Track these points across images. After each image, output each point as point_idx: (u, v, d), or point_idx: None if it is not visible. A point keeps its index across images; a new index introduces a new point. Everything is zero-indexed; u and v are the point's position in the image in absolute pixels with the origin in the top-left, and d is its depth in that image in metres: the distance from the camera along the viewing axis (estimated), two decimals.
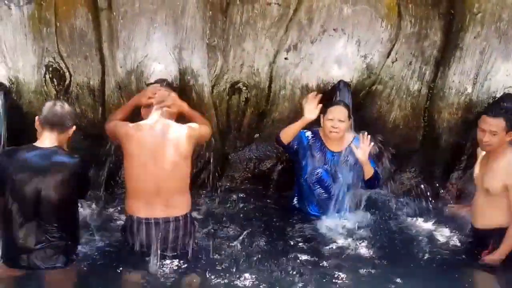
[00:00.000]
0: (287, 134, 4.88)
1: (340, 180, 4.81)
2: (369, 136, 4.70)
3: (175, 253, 4.19)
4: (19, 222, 3.81)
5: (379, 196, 5.31)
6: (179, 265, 4.15)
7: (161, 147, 4.17)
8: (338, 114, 4.78)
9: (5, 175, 3.81)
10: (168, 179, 4.13)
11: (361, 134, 4.71)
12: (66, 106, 4.05)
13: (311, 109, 4.82)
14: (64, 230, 3.93)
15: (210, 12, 5.07)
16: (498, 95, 5.20)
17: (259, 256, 4.39)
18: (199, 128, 4.41)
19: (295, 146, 4.94)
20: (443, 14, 5.19)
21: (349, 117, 4.86)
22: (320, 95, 4.96)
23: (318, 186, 4.84)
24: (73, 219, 4.03)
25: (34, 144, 3.93)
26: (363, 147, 4.70)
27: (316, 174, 4.82)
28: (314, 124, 5.03)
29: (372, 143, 4.73)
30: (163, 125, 4.27)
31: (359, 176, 4.81)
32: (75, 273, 4.07)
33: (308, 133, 4.96)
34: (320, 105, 4.88)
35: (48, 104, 4.02)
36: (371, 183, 4.87)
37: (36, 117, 3.97)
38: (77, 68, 5.03)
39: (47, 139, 3.92)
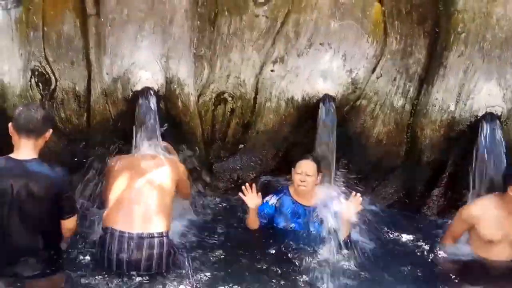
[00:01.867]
0: (252, 225, 4.86)
1: (313, 233, 4.83)
2: (360, 198, 4.64)
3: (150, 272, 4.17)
4: (2, 234, 3.74)
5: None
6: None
7: (147, 184, 4.28)
8: (306, 168, 4.76)
9: None
10: (152, 201, 4.22)
11: (353, 193, 4.67)
12: (41, 109, 3.81)
13: (252, 198, 4.75)
14: (48, 240, 3.86)
15: (198, 22, 5.11)
16: (480, 114, 5.25)
17: (239, 268, 4.41)
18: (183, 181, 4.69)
19: (265, 221, 4.90)
20: (428, 32, 5.26)
21: (318, 171, 4.84)
22: (253, 185, 4.85)
23: (290, 236, 4.86)
24: (55, 229, 3.92)
25: (11, 155, 3.72)
26: (351, 208, 4.64)
27: (290, 228, 4.85)
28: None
29: (361, 206, 4.67)
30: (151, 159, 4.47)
31: (329, 231, 4.81)
32: (58, 282, 4.03)
33: (272, 200, 4.90)
34: (259, 193, 4.80)
35: (21, 109, 3.74)
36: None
37: (10, 124, 3.71)
38: (63, 73, 5.02)
39: (24, 149, 3.70)
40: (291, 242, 4.75)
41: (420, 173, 5.52)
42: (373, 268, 4.53)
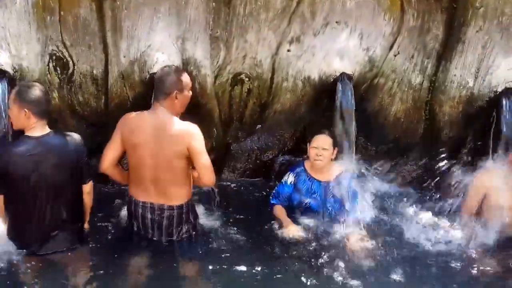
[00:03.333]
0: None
1: (329, 209, 4.83)
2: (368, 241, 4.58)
3: (171, 239, 4.27)
4: (31, 212, 3.88)
5: (380, 188, 5.33)
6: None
7: (159, 141, 4.12)
8: (322, 143, 4.77)
9: (5, 170, 3.81)
10: (165, 174, 4.16)
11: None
12: (45, 90, 4.03)
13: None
14: (74, 213, 4.02)
15: (214, 4, 5.08)
16: (499, 90, 5.23)
17: (255, 245, 4.44)
18: (198, 154, 4.14)
19: (286, 203, 4.92)
20: (445, 8, 5.20)
21: (334, 146, 4.85)
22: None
23: (307, 213, 4.86)
24: (80, 199, 4.10)
25: (28, 134, 3.87)
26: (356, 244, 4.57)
27: (305, 204, 4.85)
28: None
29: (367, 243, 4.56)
30: (166, 119, 4.15)
31: (345, 207, 4.80)
32: (85, 255, 4.16)
33: (289, 179, 4.91)
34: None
35: (35, 94, 3.87)
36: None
37: (25, 110, 3.83)
38: (81, 57, 5.03)
39: (39, 127, 3.89)
40: (307, 221, 4.76)
41: (438, 150, 5.48)
42: (390, 247, 4.52)
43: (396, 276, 4.12)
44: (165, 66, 4.44)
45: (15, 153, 3.82)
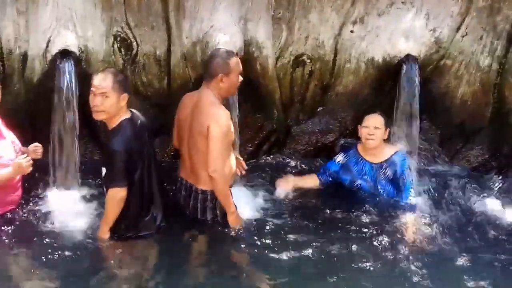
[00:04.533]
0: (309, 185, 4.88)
1: (380, 192, 4.74)
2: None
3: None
4: (141, 192, 3.96)
5: (445, 173, 5.21)
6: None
7: (193, 120, 4.11)
8: (374, 122, 4.68)
9: (135, 153, 3.87)
10: (194, 153, 4.14)
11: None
12: None
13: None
14: (161, 193, 4.10)
15: None
16: None
17: (312, 226, 4.42)
18: (211, 139, 3.99)
19: (330, 179, 4.88)
20: None
21: (386, 126, 4.74)
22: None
23: (359, 194, 4.80)
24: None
25: (126, 118, 3.90)
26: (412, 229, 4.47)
27: (356, 185, 4.78)
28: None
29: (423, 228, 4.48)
30: (204, 99, 4.09)
31: (399, 189, 4.71)
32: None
33: (339, 158, 4.88)
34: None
35: (126, 80, 4.04)
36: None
37: (126, 95, 3.88)
38: (144, 38, 5.07)
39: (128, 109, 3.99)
40: (359, 203, 4.69)
41: (507, 134, 5.34)
42: (454, 233, 4.41)
43: (459, 262, 4.01)
44: (218, 48, 4.42)
45: (131, 135, 3.86)
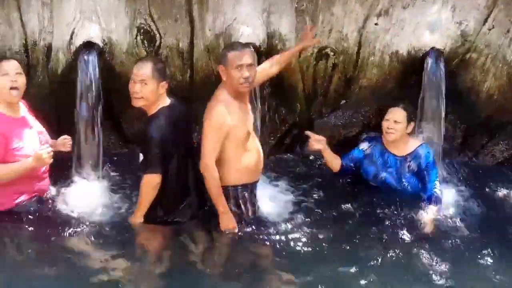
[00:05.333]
0: (330, 165, 4.76)
1: (405, 185, 4.68)
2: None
3: None
4: (176, 179, 3.98)
5: (470, 167, 5.14)
6: None
7: None
8: (395, 115, 4.60)
9: (170, 141, 3.90)
10: None
11: None
12: None
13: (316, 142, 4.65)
14: (198, 183, 4.09)
15: None
16: None
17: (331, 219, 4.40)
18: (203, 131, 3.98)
19: (352, 165, 4.80)
20: None
21: (409, 120, 4.65)
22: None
23: (383, 188, 4.74)
24: None
25: (164, 106, 3.94)
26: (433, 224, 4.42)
27: (381, 178, 4.72)
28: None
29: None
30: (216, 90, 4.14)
31: (423, 182, 4.65)
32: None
33: (363, 145, 4.81)
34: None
35: (165, 67, 4.04)
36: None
37: (165, 83, 3.94)
38: (167, 30, 5.07)
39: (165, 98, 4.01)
40: (383, 198, 4.64)
41: None
42: (479, 227, 4.36)
43: (483, 257, 3.94)
44: (235, 42, 4.38)
45: (169, 123, 3.90)
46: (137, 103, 3.93)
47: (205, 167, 3.91)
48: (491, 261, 3.92)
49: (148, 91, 3.88)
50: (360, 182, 4.79)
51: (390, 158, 4.70)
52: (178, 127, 3.96)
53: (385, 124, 4.65)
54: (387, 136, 4.65)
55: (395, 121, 4.60)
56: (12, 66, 4.00)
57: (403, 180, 4.67)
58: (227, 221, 4.02)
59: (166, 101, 3.98)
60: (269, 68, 4.43)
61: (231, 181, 4.03)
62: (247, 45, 4.11)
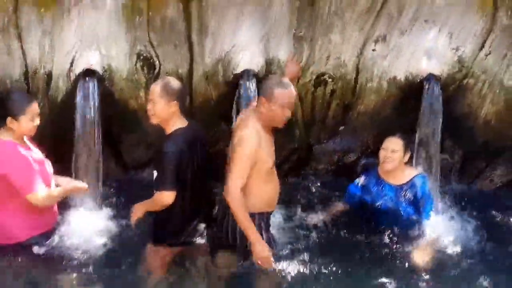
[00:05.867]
0: None
1: (401, 214, 4.70)
2: None
3: None
4: (183, 201, 3.97)
5: (467, 193, 5.15)
6: None
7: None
8: (392, 144, 4.63)
9: (185, 160, 3.91)
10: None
11: None
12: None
13: None
14: (210, 201, 4.17)
15: (298, 3, 5.03)
16: None
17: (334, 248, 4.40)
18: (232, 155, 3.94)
19: (354, 200, 4.83)
20: None
21: (406, 149, 4.68)
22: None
23: (379, 216, 4.76)
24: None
25: (180, 126, 3.97)
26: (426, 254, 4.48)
27: (377, 207, 4.75)
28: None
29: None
30: (244, 115, 4.15)
31: (419, 212, 4.66)
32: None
33: (359, 180, 4.84)
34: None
35: (180, 87, 4.02)
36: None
37: (174, 103, 3.92)
38: (167, 57, 5.10)
39: (182, 118, 4.03)
40: (379, 224, 4.66)
41: None
42: (476, 254, 4.37)
43: (481, 284, 3.96)
44: (278, 74, 4.38)
45: (184, 143, 3.92)
46: (152, 120, 4.02)
47: (230, 192, 3.82)
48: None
49: (158, 109, 3.95)
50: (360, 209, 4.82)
51: (386, 187, 4.71)
52: (194, 148, 3.99)
53: (382, 153, 4.66)
54: (384, 165, 4.66)
55: (393, 150, 4.61)
56: (37, 105, 4.10)
57: (400, 208, 4.67)
58: (262, 251, 3.84)
59: (184, 122, 4.03)
60: None
61: (250, 208, 3.93)
62: (290, 83, 4.07)
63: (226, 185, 3.86)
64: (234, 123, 4.72)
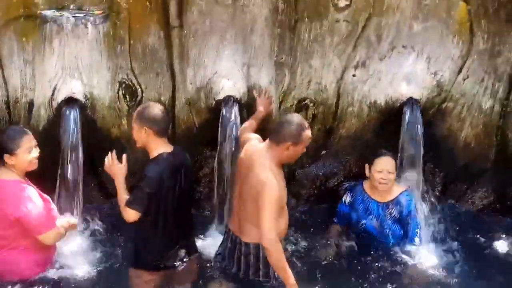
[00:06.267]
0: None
1: (386, 232, 4.72)
2: None
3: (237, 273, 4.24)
4: (164, 225, 4.02)
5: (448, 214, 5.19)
6: None
7: (247, 174, 4.09)
8: (387, 166, 4.69)
9: (167, 184, 3.97)
10: (242, 209, 4.14)
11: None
12: (164, 109, 4.22)
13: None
14: (191, 226, 4.24)
15: (279, 30, 5.08)
16: None
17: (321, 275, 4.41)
18: (261, 207, 3.90)
19: (346, 221, 4.92)
20: None
21: (396, 168, 4.76)
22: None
23: (365, 236, 4.78)
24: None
25: (167, 150, 4.03)
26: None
27: (361, 225, 4.77)
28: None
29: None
30: (262, 159, 4.07)
31: (405, 230, 4.70)
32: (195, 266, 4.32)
33: (347, 198, 4.92)
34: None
35: (154, 113, 4.02)
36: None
37: (144, 129, 3.97)
38: (149, 85, 5.12)
39: (167, 144, 4.08)
40: (365, 244, 4.70)
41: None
42: (461, 276, 4.40)
43: None
44: (294, 115, 4.41)
45: (167, 168, 3.97)
46: (136, 144, 4.13)
47: (269, 242, 3.77)
48: None
49: (134, 134, 4.09)
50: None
51: (372, 204, 4.73)
52: (177, 173, 4.03)
53: (378, 176, 4.67)
54: (380, 187, 4.68)
55: (389, 172, 4.65)
56: (31, 137, 4.15)
57: (385, 226, 4.69)
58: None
59: (168, 147, 4.07)
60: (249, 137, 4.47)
61: None
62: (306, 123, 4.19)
63: (262, 234, 3.79)
64: (220, 147, 4.86)
